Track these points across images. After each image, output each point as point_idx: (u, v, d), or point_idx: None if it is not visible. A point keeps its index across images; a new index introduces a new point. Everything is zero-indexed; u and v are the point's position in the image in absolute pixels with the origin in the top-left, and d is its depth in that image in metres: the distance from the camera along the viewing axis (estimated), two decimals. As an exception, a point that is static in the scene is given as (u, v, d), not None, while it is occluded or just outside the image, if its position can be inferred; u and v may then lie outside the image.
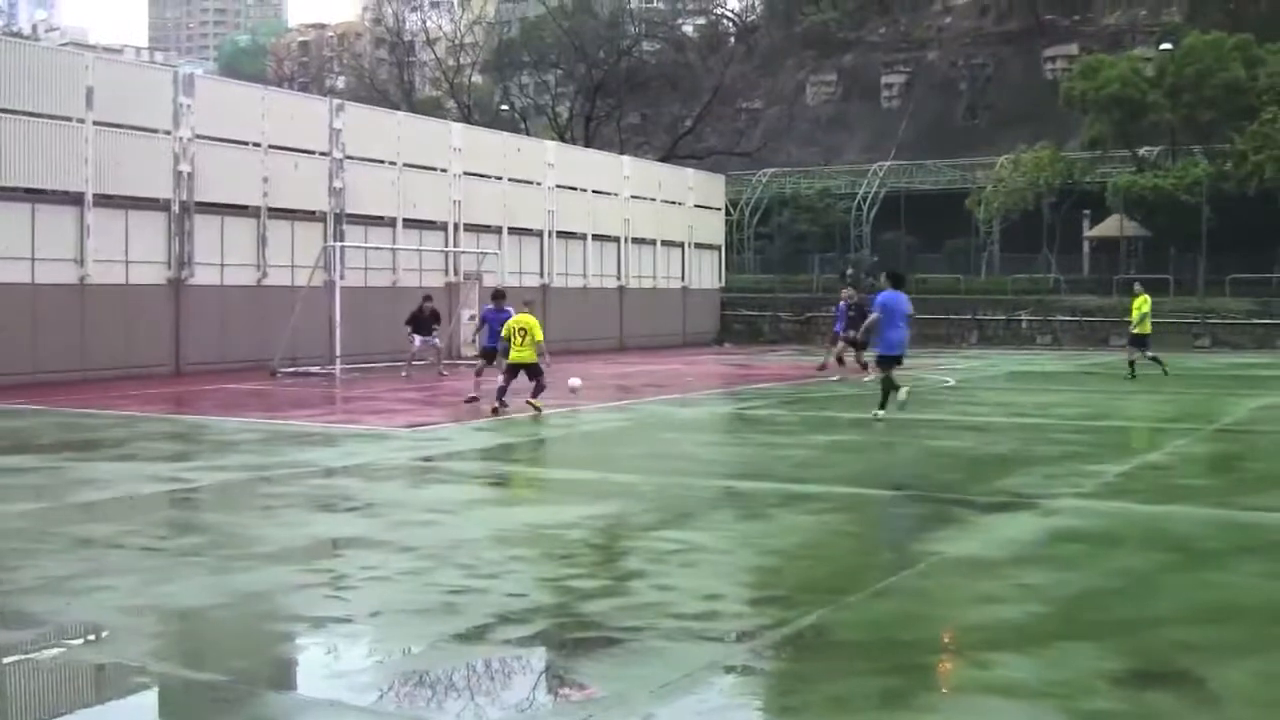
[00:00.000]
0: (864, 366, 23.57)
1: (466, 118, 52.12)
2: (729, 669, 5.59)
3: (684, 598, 6.72)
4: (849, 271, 47.45)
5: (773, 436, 14.91)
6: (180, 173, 25.38)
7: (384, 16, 64.45)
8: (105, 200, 24.11)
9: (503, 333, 17.59)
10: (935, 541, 8.23)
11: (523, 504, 10.36)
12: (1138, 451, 13.95)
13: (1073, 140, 49.56)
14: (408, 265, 30.53)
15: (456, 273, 32.07)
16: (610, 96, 54.55)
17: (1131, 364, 23.68)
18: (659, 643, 5.86)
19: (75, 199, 23.66)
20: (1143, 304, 23.85)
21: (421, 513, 9.39)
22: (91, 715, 5.29)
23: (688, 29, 74.23)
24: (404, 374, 24.26)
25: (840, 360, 25.06)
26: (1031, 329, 41.37)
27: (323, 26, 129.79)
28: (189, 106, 25.51)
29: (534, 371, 17.04)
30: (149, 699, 5.43)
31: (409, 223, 30.88)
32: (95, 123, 23.85)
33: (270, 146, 27.23)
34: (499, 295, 19.84)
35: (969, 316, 42.34)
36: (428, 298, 25.66)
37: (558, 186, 36.32)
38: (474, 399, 18.28)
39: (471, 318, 27.36)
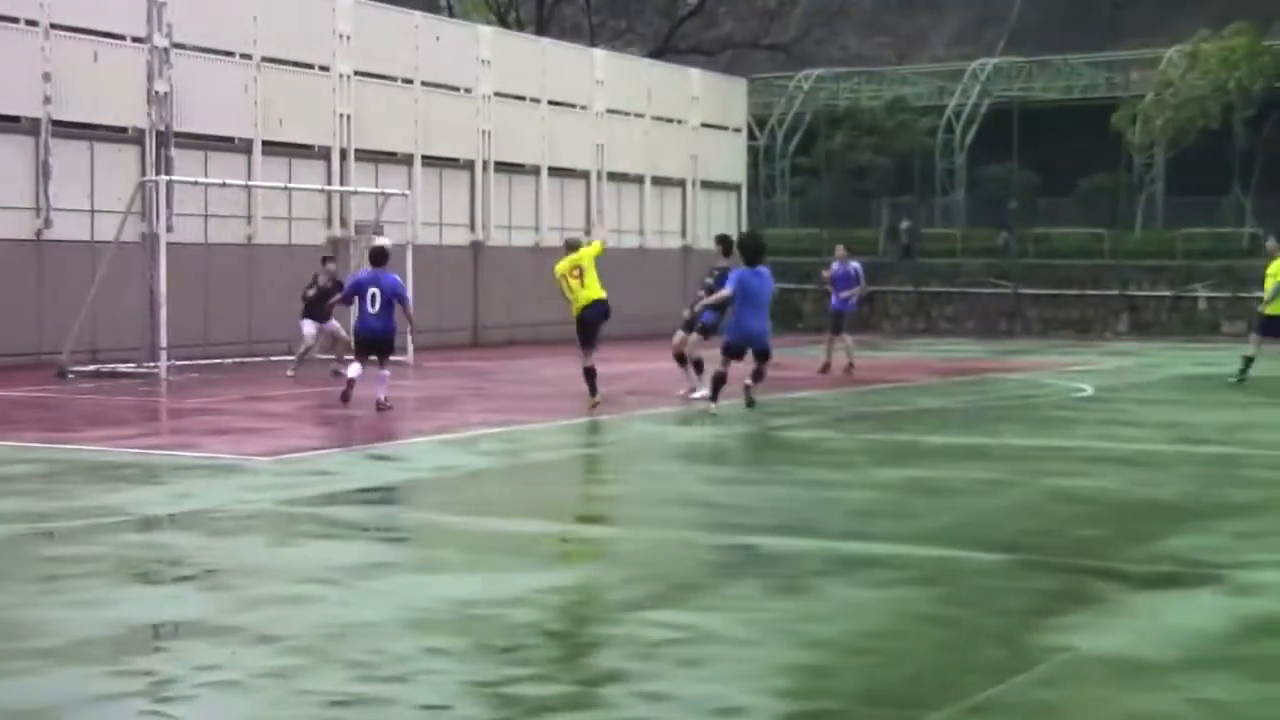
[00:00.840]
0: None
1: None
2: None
3: (685, 713, 6.69)
4: (905, 224, 47.55)
5: (818, 471, 14.88)
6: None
7: None
8: None
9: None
10: (1065, 631, 8.21)
11: (444, 570, 10.30)
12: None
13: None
14: (271, 211, 30.48)
15: (345, 224, 32.03)
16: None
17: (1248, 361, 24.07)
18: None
19: None
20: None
21: (290, 583, 9.34)
22: None
23: None
24: (290, 372, 24.52)
25: (849, 363, 26.47)
26: (1214, 311, 41.55)
27: None
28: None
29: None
30: None
31: (272, 147, 30.82)
32: None
33: (54, 26, 27.06)
34: (380, 256, 19.80)
35: (1115, 293, 42.54)
36: (328, 258, 25.80)
37: (496, 95, 36.35)
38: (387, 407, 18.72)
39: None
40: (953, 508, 12.72)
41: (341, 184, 31.84)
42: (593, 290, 19.34)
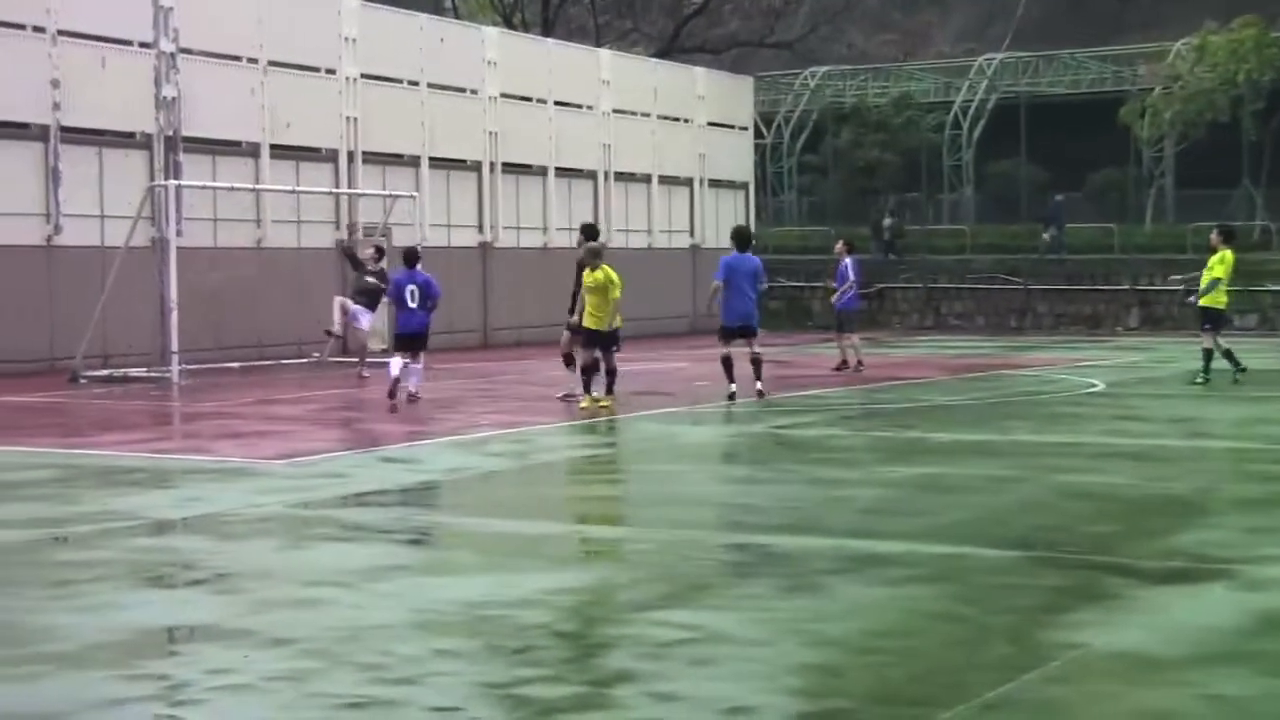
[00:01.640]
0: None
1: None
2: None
3: (696, 714, 6.70)
4: (888, 221, 47.25)
5: (828, 469, 14.89)
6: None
7: None
8: None
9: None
10: (1076, 628, 8.21)
11: (456, 571, 10.32)
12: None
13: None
14: (280, 215, 30.51)
15: (353, 226, 32.04)
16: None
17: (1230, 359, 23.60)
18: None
19: None
20: (1220, 261, 23.71)
21: (302, 586, 9.36)
22: None
23: None
24: (364, 373, 24.72)
25: (859, 361, 26.45)
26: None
27: None
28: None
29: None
30: None
31: (280, 151, 30.86)
32: None
33: (61, 33, 27.13)
34: (413, 256, 21.28)
35: (1126, 287, 42.45)
36: (379, 252, 25.72)
37: (502, 96, 36.35)
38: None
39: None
40: (963, 505, 12.72)
41: (349, 186, 31.87)
42: (616, 319, 19.98)
